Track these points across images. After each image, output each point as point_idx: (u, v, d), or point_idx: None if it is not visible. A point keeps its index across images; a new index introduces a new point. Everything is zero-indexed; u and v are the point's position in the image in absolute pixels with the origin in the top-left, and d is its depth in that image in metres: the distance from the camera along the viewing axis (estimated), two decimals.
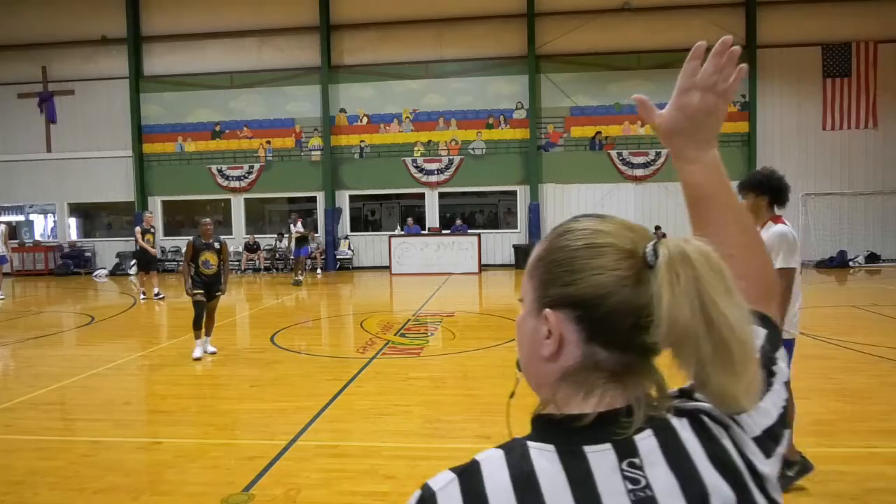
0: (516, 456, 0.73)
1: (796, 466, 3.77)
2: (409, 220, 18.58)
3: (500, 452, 0.74)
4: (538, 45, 18.49)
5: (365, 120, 19.47)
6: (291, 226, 16.44)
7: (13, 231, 21.26)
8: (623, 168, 18.53)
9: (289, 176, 19.67)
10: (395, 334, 8.86)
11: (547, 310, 0.76)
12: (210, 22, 19.49)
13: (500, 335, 8.61)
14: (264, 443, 4.68)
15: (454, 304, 11.86)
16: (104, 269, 19.71)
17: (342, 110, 19.50)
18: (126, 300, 13.67)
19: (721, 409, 0.73)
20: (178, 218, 21.09)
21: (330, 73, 19.20)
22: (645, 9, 18.16)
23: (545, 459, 0.71)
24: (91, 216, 21.72)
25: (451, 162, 19.15)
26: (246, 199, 20.14)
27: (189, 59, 19.78)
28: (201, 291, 7.55)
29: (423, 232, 18.28)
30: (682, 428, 0.73)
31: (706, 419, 0.75)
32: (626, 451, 0.71)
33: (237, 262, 19.43)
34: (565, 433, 0.74)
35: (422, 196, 19.57)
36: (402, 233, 18.15)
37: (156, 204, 20.23)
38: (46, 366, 7.49)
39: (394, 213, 20.65)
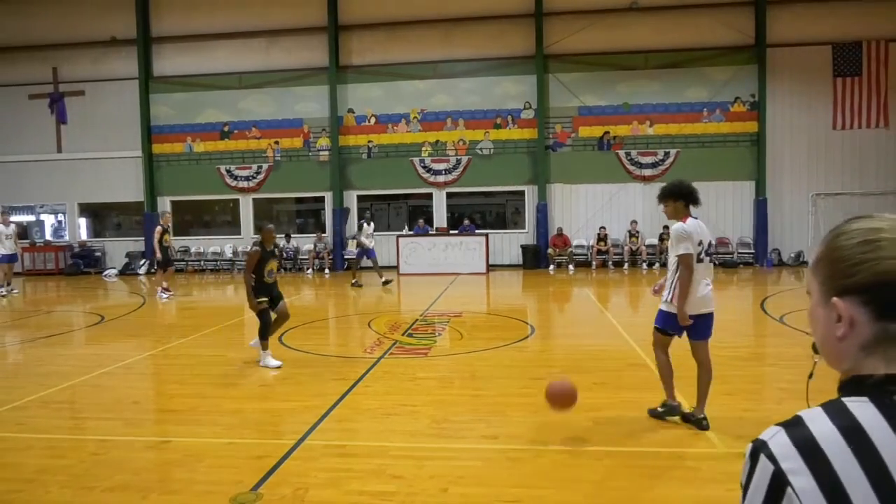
0: (834, 409, 0.87)
1: (666, 408, 4.93)
2: (421, 220, 18.57)
3: (818, 408, 0.88)
4: (546, 44, 18.47)
5: (373, 120, 19.50)
6: (365, 224, 15.27)
7: (24, 231, 21.44)
8: (631, 168, 18.47)
9: (297, 176, 19.73)
10: (403, 334, 8.87)
11: (835, 298, 0.92)
12: (219, 23, 19.58)
13: (507, 335, 8.61)
14: (272, 442, 4.70)
15: (462, 305, 11.87)
16: (114, 268, 19.83)
17: (350, 110, 19.54)
18: (136, 300, 13.75)
19: None
20: (188, 218, 21.20)
21: (338, 73, 19.24)
22: (653, 8, 18.09)
23: (863, 409, 0.85)
24: (101, 216, 21.86)
25: (458, 162, 19.16)
26: (254, 200, 20.21)
27: (198, 60, 19.88)
28: (266, 299, 7.20)
29: (431, 232, 18.29)
30: None
31: None
32: None
33: (245, 263, 19.49)
34: (876, 389, 0.87)
35: (430, 196, 19.58)
36: (412, 233, 18.17)
37: (165, 204, 20.33)
38: (57, 365, 7.55)
39: (401, 213, 20.66)
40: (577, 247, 18.41)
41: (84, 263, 20.12)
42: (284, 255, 19.23)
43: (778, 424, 0.89)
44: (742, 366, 6.81)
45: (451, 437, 4.77)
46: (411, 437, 4.78)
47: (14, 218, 21.31)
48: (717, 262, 17.68)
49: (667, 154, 18.31)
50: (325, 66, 19.23)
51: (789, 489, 0.82)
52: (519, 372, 6.72)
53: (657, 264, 17.53)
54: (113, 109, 20.15)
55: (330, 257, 19.07)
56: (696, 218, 4.82)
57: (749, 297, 12.81)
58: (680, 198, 4.76)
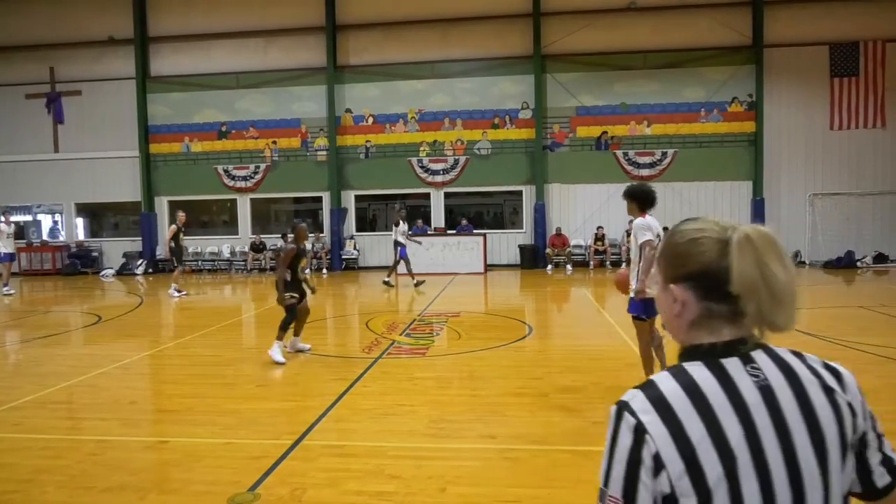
0: (676, 371, 1.10)
1: None
2: (419, 221, 18.56)
3: (665, 372, 1.11)
4: (544, 44, 18.48)
5: (370, 120, 19.49)
6: (401, 221, 14.66)
7: (21, 231, 21.40)
8: (629, 168, 18.49)
9: (295, 176, 19.72)
10: (401, 334, 8.87)
11: (671, 284, 1.16)
12: (216, 22, 19.56)
13: (505, 335, 8.61)
14: (270, 442, 4.69)
15: (460, 304, 11.86)
16: (111, 268, 19.80)
17: (348, 110, 19.53)
18: (133, 300, 13.72)
19: (770, 331, 1.10)
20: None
21: (336, 73, 19.23)
22: (651, 8, 18.12)
23: (697, 370, 1.08)
24: (98, 216, 21.82)
25: (456, 162, 19.16)
26: (252, 199, 20.19)
27: (195, 60, 19.86)
28: (297, 296, 7.36)
29: (429, 232, 18.28)
30: (783, 352, 1.13)
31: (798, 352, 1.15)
32: (748, 360, 1.09)
33: (243, 262, 19.49)
34: (706, 354, 1.11)
35: (427, 196, 19.58)
36: (411, 233, 18.15)
37: (162, 204, 20.31)
38: (54, 365, 7.53)
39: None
40: (574, 247, 18.43)
41: (81, 263, 20.09)
42: (280, 255, 19.19)
43: (635, 388, 1.10)
44: None
45: (449, 437, 4.77)
46: (409, 437, 4.77)
47: (12, 218, 21.29)
48: None
49: (664, 154, 18.33)
50: (322, 65, 19.22)
51: (647, 436, 1.03)
52: (517, 372, 6.71)
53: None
54: (110, 109, 20.13)
55: (328, 257, 19.05)
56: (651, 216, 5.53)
57: None
58: (634, 199, 5.49)
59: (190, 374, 6.97)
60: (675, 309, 1.15)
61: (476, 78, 19.07)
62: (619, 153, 18.53)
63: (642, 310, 5.43)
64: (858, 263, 17.27)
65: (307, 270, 7.49)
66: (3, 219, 14.31)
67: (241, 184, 19.93)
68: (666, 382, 1.08)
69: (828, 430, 1.06)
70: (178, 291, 13.71)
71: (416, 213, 19.29)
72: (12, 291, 14.44)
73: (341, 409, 5.50)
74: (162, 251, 13.47)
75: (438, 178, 19.26)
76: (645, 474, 1.03)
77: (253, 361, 7.64)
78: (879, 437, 1.14)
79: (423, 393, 6.00)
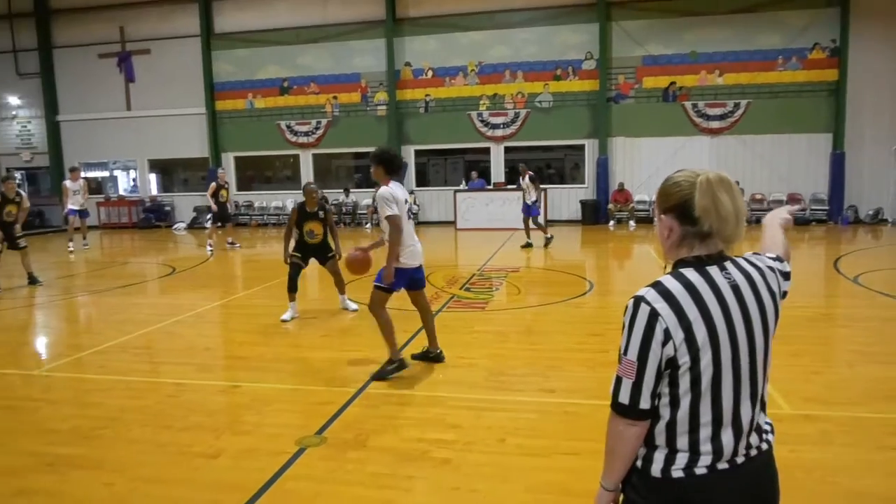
0: (675, 274, 1.56)
1: (394, 364, 5.07)
2: (474, 173, 18.46)
3: (667, 275, 1.57)
4: None
5: (430, 73, 19.30)
6: (522, 180, 13.39)
7: (99, 186, 22.49)
8: (698, 120, 17.73)
9: (355, 131, 19.83)
10: (461, 288, 8.94)
11: (662, 215, 1.61)
12: None
13: (564, 291, 8.55)
14: (335, 390, 4.86)
15: (519, 260, 11.83)
16: (182, 222, 20.62)
17: (407, 64, 19.37)
18: (203, 252, 14.28)
19: (725, 242, 1.56)
20: (250, 173, 21.73)
21: (395, 26, 19.03)
22: None
23: (689, 273, 1.55)
24: (169, 171, 22.66)
25: (517, 115, 18.82)
26: (314, 155, 20.48)
27: (257, 16, 20.00)
28: (299, 255, 7.44)
29: (488, 187, 18.16)
30: (743, 261, 1.63)
31: (754, 260, 1.66)
32: (721, 267, 1.57)
33: None
34: (694, 263, 1.56)
35: (487, 151, 19.38)
36: (466, 188, 18.10)
37: (228, 160, 20.88)
38: (133, 312, 7.98)
39: (458, 167, 20.55)
40: (638, 202, 17.95)
41: (155, 217, 21.00)
42: (344, 209, 19.50)
43: (647, 286, 1.54)
44: (810, 326, 6.58)
45: (508, 390, 4.82)
46: (469, 389, 4.85)
47: (89, 174, 22.38)
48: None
49: (737, 105, 17.45)
50: (381, 18, 19.04)
51: (659, 317, 1.48)
52: (576, 328, 6.69)
53: None
54: (178, 67, 20.61)
55: None
56: (398, 182, 5.15)
57: (821, 255, 12.26)
58: (381, 164, 5.03)
59: (258, 324, 7.25)
60: (665, 232, 1.61)
61: (537, 28, 18.51)
62: (688, 104, 17.75)
63: (394, 281, 5.04)
64: None
65: (315, 234, 7.53)
66: (69, 176, 14.74)
67: (303, 139, 20.21)
68: (670, 281, 1.54)
69: (769, 312, 1.59)
70: (232, 243, 14.16)
71: (476, 168, 19.14)
72: (72, 248, 14.40)
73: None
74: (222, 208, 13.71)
75: (498, 132, 19.00)
76: (655, 344, 1.48)
77: (317, 312, 7.88)
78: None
79: (482, 346, 6.07)
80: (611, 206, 17.80)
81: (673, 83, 17.83)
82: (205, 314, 7.94)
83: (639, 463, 1.57)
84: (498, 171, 19.22)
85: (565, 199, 18.81)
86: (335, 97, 19.87)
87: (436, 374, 5.21)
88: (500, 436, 3.97)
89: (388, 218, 4.88)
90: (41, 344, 7.07)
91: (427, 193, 19.84)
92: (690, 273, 1.54)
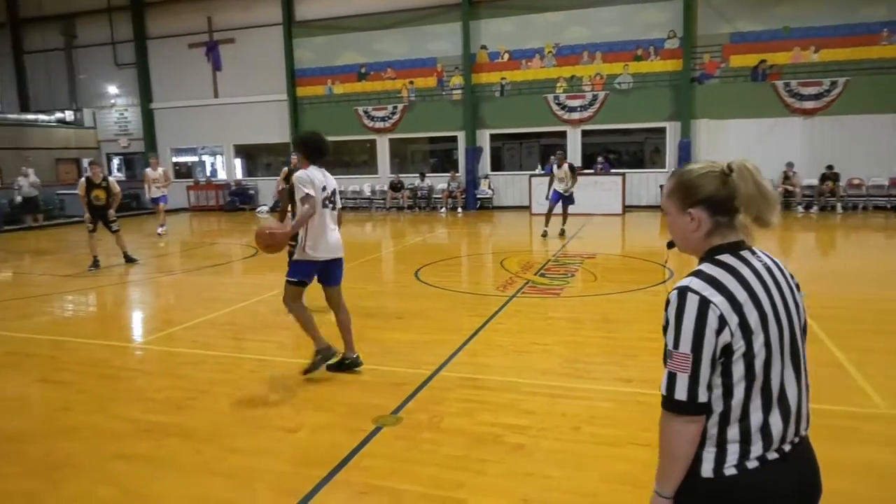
0: (713, 261, 1.53)
1: (319, 356, 4.88)
2: (552, 157, 18.16)
3: (705, 263, 1.54)
4: None
5: (506, 56, 19.10)
6: (555, 166, 12.85)
7: (188, 171, 23.65)
8: (790, 100, 16.73)
9: (430, 116, 19.93)
10: (535, 274, 8.86)
11: (690, 209, 1.56)
12: None
13: (642, 279, 8.33)
14: (410, 371, 4.94)
15: (595, 246, 11.61)
16: (265, 205, 21.41)
17: (483, 47, 19.24)
18: None
19: (764, 227, 1.53)
20: (328, 158, 22.05)
21: (471, 9, 18.92)
22: None
23: (727, 258, 1.53)
24: (253, 156, 23.53)
25: (595, 98, 18.37)
26: (390, 140, 20.74)
27: (337, 3, 20.35)
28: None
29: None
30: (761, 251, 1.61)
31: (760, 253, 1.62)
32: (751, 252, 1.57)
33: (382, 201, 20.24)
34: (728, 249, 1.54)
35: (563, 134, 19.04)
36: (542, 172, 17.86)
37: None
38: (220, 291, 8.38)
39: (534, 151, 20.32)
40: None
41: (239, 200, 21.90)
42: (419, 193, 19.67)
43: (687, 276, 1.51)
44: None
45: (583, 378, 4.76)
46: (543, 375, 4.82)
47: (179, 159, 23.58)
48: (876, 207, 15.86)
49: (833, 84, 16.35)
50: (457, 2, 18.97)
51: (712, 304, 1.43)
52: (655, 316, 6.46)
53: (815, 207, 16.03)
54: (260, 55, 21.30)
55: (462, 196, 19.29)
56: (320, 168, 4.99)
57: None
58: (301, 148, 5.02)
59: None
60: (693, 226, 1.56)
61: (617, 7, 17.94)
62: (780, 84, 16.77)
63: (305, 274, 4.89)
64: None
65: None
66: (151, 165, 15.26)
67: (380, 124, 20.49)
68: (711, 269, 1.50)
69: (798, 298, 1.59)
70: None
71: (552, 152, 18.84)
72: (161, 232, 14.77)
73: (476, 345, 5.65)
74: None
75: (575, 116, 18.62)
76: (710, 333, 1.42)
77: (392, 295, 8.02)
78: None
79: (557, 333, 6.01)
80: None
81: (763, 61, 16.90)
82: None
83: None
84: (575, 156, 18.86)
85: (644, 184, 18.27)
86: (411, 82, 20.01)
87: (510, 360, 5.21)
88: (575, 423, 3.93)
89: (301, 199, 4.69)
90: (137, 318, 7.53)
91: (501, 178, 19.73)
92: (728, 258, 1.52)
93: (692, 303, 1.44)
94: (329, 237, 4.91)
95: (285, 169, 14.15)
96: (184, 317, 7.02)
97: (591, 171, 17.73)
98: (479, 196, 19.52)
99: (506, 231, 15.25)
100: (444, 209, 19.26)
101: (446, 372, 4.93)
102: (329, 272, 5.00)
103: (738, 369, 1.44)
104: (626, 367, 4.95)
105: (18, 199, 17.71)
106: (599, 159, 18.27)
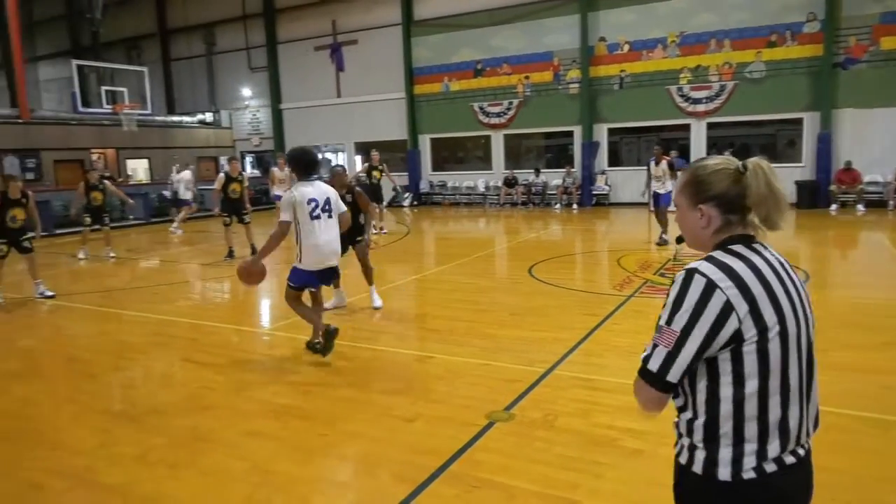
0: (725, 250, 1.50)
1: (318, 341, 5.29)
2: (673, 152, 17.37)
3: (718, 251, 1.51)
4: None
5: (626, 47, 18.46)
6: (652, 163, 11.91)
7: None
8: None
9: (546, 110, 19.68)
10: (655, 273, 8.53)
11: (701, 205, 1.55)
12: None
13: None
14: (523, 368, 4.92)
15: None
16: (383, 200, 22.09)
17: (602, 39, 18.71)
18: (401, 229, 15.20)
19: (771, 229, 1.53)
20: (444, 154, 22.57)
21: (589, 0, 18.46)
22: None
23: (739, 248, 1.51)
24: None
25: (722, 88, 17.33)
26: (505, 136, 20.71)
27: (454, 0, 20.54)
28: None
29: (686, 166, 17.00)
30: (771, 248, 1.57)
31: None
32: (762, 245, 1.55)
33: (496, 196, 20.26)
34: (740, 240, 1.53)
35: (686, 127, 18.14)
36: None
37: (425, 141, 21.90)
38: (341, 281, 8.73)
39: (653, 146, 19.49)
40: (868, 183, 15.66)
41: None
42: (533, 189, 19.49)
43: (697, 261, 1.48)
44: None
45: None
46: None
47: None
48: None
49: None
50: None
51: (718, 288, 1.41)
52: None
53: None
54: (380, 55, 21.96)
55: (578, 192, 18.91)
56: (311, 181, 5.25)
57: None
58: (290, 164, 5.32)
59: (450, 299, 7.56)
60: (703, 222, 1.55)
61: None
62: None
63: (302, 281, 5.33)
64: None
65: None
66: (278, 164, 15.89)
67: (495, 120, 20.51)
68: (723, 256, 1.48)
69: (805, 292, 1.57)
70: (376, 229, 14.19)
71: (673, 146, 18.03)
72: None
73: (592, 344, 5.53)
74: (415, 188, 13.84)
75: (700, 107, 17.67)
76: (709, 317, 1.40)
77: (505, 291, 8.02)
78: None
79: None
80: (833, 187, 15.75)
81: None
82: (402, 287, 8.47)
83: (698, 468, 1.46)
84: (699, 150, 17.92)
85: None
86: (527, 77, 19.85)
87: (628, 362, 5.05)
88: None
89: (278, 222, 5.14)
90: (265, 306, 8.03)
91: (619, 173, 19.12)
92: (741, 249, 1.50)
93: (697, 285, 1.42)
94: (321, 249, 5.21)
95: (366, 164, 14.31)
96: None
97: (645, 168, 16.69)
98: (595, 192, 19.05)
99: (623, 228, 14.78)
100: (558, 205, 18.98)
101: (560, 371, 4.87)
102: (322, 277, 5.41)
103: (751, 360, 1.41)
104: None
105: (171, 194, 18.82)
106: (726, 153, 17.22)
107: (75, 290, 8.86)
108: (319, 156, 10.61)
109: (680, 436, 1.53)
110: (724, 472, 1.43)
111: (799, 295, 1.51)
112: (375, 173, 14.24)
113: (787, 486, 1.44)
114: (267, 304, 8.16)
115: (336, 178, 6.89)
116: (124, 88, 21.38)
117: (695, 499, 1.50)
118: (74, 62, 20.64)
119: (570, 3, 18.76)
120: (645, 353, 1.51)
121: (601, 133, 19.13)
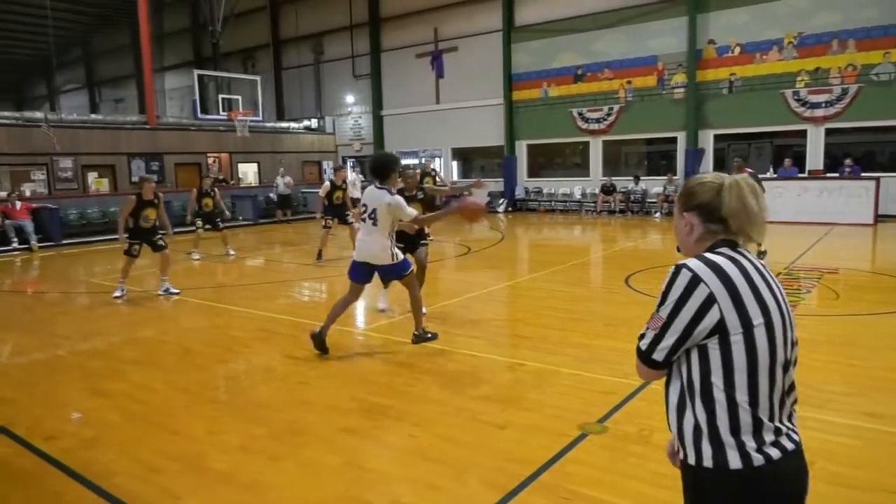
0: (714, 253, 1.62)
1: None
2: (787, 160, 16.34)
3: (709, 253, 1.63)
4: None
5: (737, 50, 17.58)
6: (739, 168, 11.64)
7: None
8: None
9: (648, 116, 19.09)
10: None
11: (685, 213, 1.71)
12: None
13: None
14: (618, 380, 4.78)
15: (838, 260, 10.21)
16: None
17: (711, 41, 17.93)
18: (496, 235, 15.20)
19: (747, 242, 1.67)
20: (541, 160, 22.39)
21: (698, 1, 17.73)
22: None
23: (725, 250, 1.63)
24: (468, 159, 24.55)
25: (844, 92, 16.14)
26: (604, 142, 20.27)
27: (557, 5, 20.36)
28: (401, 245, 7.57)
29: (800, 175, 15.98)
30: (749, 253, 1.67)
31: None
32: (742, 250, 1.66)
33: (593, 204, 19.85)
34: (724, 244, 1.65)
35: (801, 133, 17.02)
36: (775, 176, 16.16)
37: (522, 148, 21.81)
38: (435, 286, 8.84)
39: (765, 152, 18.43)
40: None
41: (455, 201, 22.94)
42: (632, 197, 18.96)
43: (694, 257, 1.62)
44: None
45: (819, 407, 4.21)
46: None
47: (403, 161, 25.30)
48: None
49: None
50: None
51: (702, 283, 1.54)
52: None
53: None
54: (480, 61, 22.10)
55: None
56: (378, 187, 5.75)
57: None
58: (372, 173, 5.84)
59: (543, 307, 7.48)
60: (687, 229, 1.71)
61: None
62: None
63: (350, 270, 5.91)
64: None
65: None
66: (356, 170, 16.56)
67: (595, 126, 20.11)
68: (710, 255, 1.62)
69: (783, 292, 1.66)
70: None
71: (786, 153, 16.96)
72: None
73: None
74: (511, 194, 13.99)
75: (819, 112, 16.53)
76: (691, 307, 1.55)
77: (600, 300, 7.84)
78: None
79: None
80: None
81: None
82: (495, 293, 8.47)
83: (709, 463, 1.56)
84: (815, 157, 16.78)
85: None
86: (629, 82, 19.34)
87: None
88: (811, 459, 3.46)
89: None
90: (360, 307, 8.25)
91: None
92: (725, 250, 1.63)
93: (683, 278, 1.57)
94: (360, 244, 5.81)
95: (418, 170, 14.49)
96: (401, 307, 7.54)
97: (836, 174, 15.63)
98: None
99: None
100: (658, 213, 18.34)
101: (657, 385, 4.67)
102: (359, 271, 5.87)
103: (739, 350, 1.53)
104: (874, 399, 4.30)
105: (275, 195, 20.43)
106: (848, 161, 16.03)
107: (189, 286, 9.49)
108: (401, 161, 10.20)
109: (683, 439, 1.61)
110: (735, 461, 1.53)
111: (782, 295, 1.64)
112: (428, 179, 14.58)
113: (790, 470, 1.58)
114: (361, 304, 8.39)
115: (406, 178, 7.03)
116: (239, 96, 22.78)
117: (713, 493, 1.58)
118: (196, 72, 22.16)
119: (677, 6, 18.13)
120: (640, 333, 1.70)
121: (707, 139, 18.33)
